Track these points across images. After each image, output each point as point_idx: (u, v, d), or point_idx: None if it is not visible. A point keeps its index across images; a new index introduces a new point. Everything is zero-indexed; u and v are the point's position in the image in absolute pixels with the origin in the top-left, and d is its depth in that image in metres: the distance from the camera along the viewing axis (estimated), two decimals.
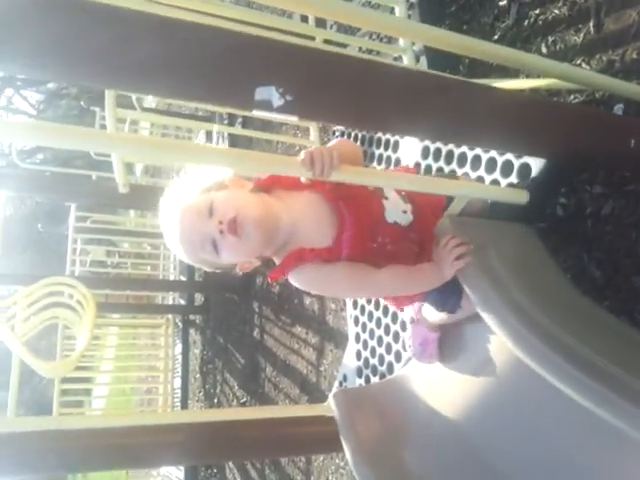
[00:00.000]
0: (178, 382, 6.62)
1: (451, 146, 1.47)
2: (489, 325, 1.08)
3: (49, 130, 0.88)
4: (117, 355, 6.72)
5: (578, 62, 1.93)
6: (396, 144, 1.74)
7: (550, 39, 2.07)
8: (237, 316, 5.65)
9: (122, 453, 1.75)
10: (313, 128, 3.32)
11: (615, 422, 0.95)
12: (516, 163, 1.26)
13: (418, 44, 2.56)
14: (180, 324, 7.04)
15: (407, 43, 2.52)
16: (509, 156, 1.28)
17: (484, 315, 1.06)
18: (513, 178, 1.27)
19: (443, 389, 1.52)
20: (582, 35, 1.93)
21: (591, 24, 1.90)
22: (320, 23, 3.43)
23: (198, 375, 6.72)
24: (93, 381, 7.47)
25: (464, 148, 1.42)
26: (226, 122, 5.59)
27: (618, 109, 1.75)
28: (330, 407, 1.65)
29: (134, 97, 5.41)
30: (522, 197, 1.18)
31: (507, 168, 1.29)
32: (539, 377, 1.06)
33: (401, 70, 1.21)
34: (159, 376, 6.28)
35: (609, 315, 1.14)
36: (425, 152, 1.57)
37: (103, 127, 4.59)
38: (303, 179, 1.24)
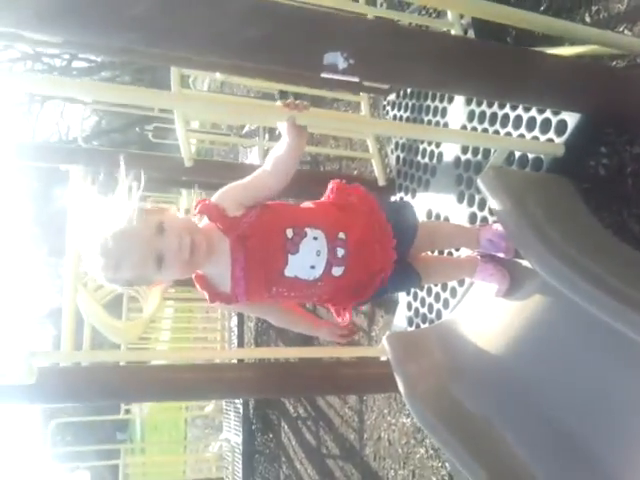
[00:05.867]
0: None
1: (495, 108, 1.60)
2: (526, 262, 1.22)
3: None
4: (174, 327, 7.05)
5: (621, 29, 2.01)
6: (444, 110, 1.87)
7: (594, 8, 2.15)
8: None
9: (188, 386, 1.95)
10: (364, 103, 3.44)
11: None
12: (554, 120, 1.38)
13: (466, 17, 2.66)
14: None
15: (455, 17, 2.62)
16: (547, 114, 1.40)
17: (519, 249, 1.21)
18: (551, 134, 1.39)
19: (489, 329, 1.66)
20: (625, 3, 2.01)
21: None
22: (371, 2, 3.56)
23: (253, 346, 6.98)
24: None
25: (506, 109, 1.55)
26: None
27: None
28: (384, 349, 1.82)
29: (190, 80, 5.68)
30: (559, 149, 1.31)
31: (545, 125, 1.41)
32: (576, 311, 1.19)
33: (451, 37, 1.34)
34: (216, 347, 6.61)
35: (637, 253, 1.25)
36: (471, 116, 1.70)
37: None
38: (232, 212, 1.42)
